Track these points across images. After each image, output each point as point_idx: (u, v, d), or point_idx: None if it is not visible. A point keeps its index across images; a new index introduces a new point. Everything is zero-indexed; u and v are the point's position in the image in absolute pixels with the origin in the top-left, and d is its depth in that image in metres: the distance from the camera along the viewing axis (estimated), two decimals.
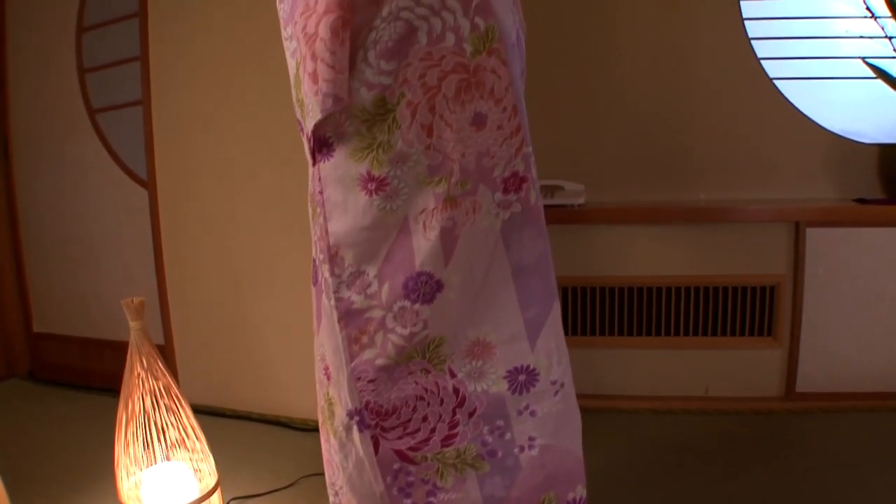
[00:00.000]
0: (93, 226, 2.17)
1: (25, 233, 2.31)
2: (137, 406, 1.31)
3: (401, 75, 0.83)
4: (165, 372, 1.33)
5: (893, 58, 1.90)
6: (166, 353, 2.00)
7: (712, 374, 1.83)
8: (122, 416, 1.32)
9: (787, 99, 1.96)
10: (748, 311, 1.79)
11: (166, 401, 1.32)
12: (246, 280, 1.86)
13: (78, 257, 2.21)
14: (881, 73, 1.89)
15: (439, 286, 0.87)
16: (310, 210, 0.93)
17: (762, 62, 1.97)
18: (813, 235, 1.73)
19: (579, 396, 1.77)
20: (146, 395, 1.31)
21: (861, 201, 1.84)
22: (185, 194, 1.93)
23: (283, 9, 0.90)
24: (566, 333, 1.82)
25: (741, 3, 1.97)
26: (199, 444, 1.35)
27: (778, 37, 1.98)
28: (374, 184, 0.85)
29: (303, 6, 0.82)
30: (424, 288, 0.87)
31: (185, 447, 1.35)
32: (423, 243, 0.86)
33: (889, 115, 1.94)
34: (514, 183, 0.90)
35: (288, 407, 1.85)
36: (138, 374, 1.32)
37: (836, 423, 1.72)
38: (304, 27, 0.82)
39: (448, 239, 0.86)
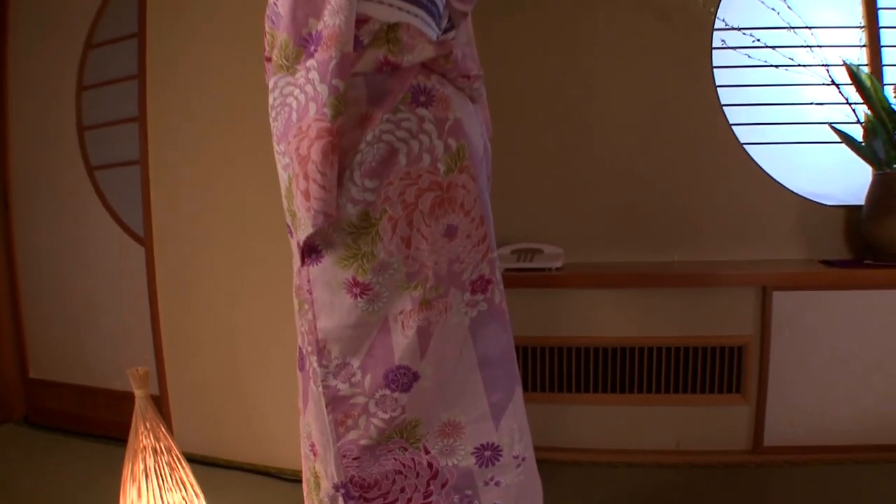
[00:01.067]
0: (90, 278, 2.34)
1: (24, 282, 2.47)
2: (140, 466, 1.46)
3: (383, 192, 0.97)
4: (167, 435, 1.49)
5: (858, 123, 2.08)
6: (161, 401, 2.14)
7: (683, 429, 1.99)
8: (126, 475, 1.48)
9: (756, 163, 2.15)
10: (717, 369, 1.96)
11: (167, 458, 1.48)
12: (241, 337, 2.02)
13: (75, 308, 2.37)
14: (846, 138, 2.07)
15: (416, 377, 1.03)
16: (295, 302, 1.09)
17: (733, 128, 2.16)
18: (779, 299, 1.90)
19: (556, 450, 1.96)
20: (149, 456, 1.47)
21: (827, 263, 2.02)
22: (180, 252, 2.09)
23: (276, 127, 1.03)
24: (545, 391, 2.00)
25: (714, 70, 2.16)
26: (198, 501, 1.51)
27: (749, 103, 2.17)
28: (359, 288, 0.99)
29: (296, 129, 0.96)
30: (403, 379, 1.02)
31: (185, 502, 1.51)
32: (401, 340, 1.01)
33: (855, 177, 2.12)
34: (481, 285, 1.06)
35: (278, 458, 2.00)
36: (142, 436, 1.48)
37: (803, 475, 1.88)
38: (297, 148, 0.95)
39: (423, 336, 1.02)
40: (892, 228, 1.95)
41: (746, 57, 2.13)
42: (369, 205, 0.97)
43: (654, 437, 2.00)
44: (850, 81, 2.04)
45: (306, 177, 0.94)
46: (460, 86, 1.08)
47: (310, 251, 1.01)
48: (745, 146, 2.16)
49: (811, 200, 2.14)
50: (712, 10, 2.07)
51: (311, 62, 0.94)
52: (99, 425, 2.32)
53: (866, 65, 2.16)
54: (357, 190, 0.97)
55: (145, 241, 2.14)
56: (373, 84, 0.98)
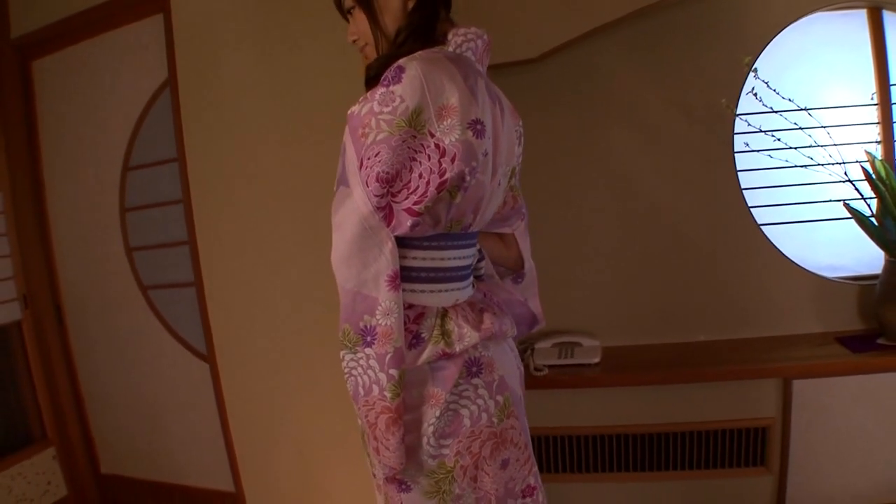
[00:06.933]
0: (154, 387, 2.70)
1: (86, 387, 2.83)
2: None
3: (454, 448, 1.33)
4: None
5: (870, 198, 2.38)
6: (237, 498, 2.52)
7: (716, 500, 2.41)
8: None
9: (773, 244, 2.47)
10: (743, 447, 2.36)
11: None
12: (311, 437, 2.38)
13: (142, 410, 2.75)
14: (857, 216, 2.37)
15: None
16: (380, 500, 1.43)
17: (752, 210, 2.47)
18: (798, 386, 2.28)
19: None
20: None
21: (841, 341, 2.37)
22: (244, 366, 2.43)
23: (348, 388, 1.31)
24: (590, 471, 2.39)
25: (735, 155, 2.44)
26: None
27: (767, 186, 2.47)
28: None
29: (363, 401, 1.25)
30: None
31: None
32: None
33: (869, 249, 2.43)
34: (529, 491, 1.45)
35: None
36: None
37: None
38: (367, 416, 1.25)
39: None
40: None
41: (765, 146, 2.40)
42: (445, 457, 1.33)
43: None
44: (862, 175, 2.32)
45: (375, 438, 1.28)
46: None
47: (399, 484, 1.35)
48: (762, 227, 2.47)
49: (825, 277, 2.47)
50: (734, 110, 2.34)
51: (369, 351, 1.22)
52: None
53: (879, 141, 2.44)
54: (433, 449, 1.32)
55: (209, 357, 2.47)
56: (435, 368, 1.31)
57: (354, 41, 1.42)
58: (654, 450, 2.41)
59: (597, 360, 2.40)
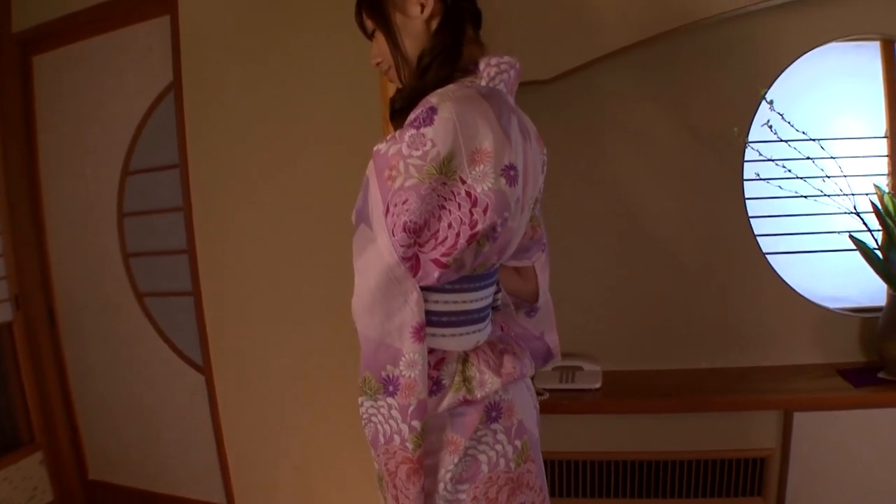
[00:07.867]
0: (147, 395, 2.67)
1: (78, 395, 2.81)
2: None
3: (471, 493, 1.30)
4: None
5: (876, 230, 2.39)
6: None
7: None
8: None
9: (777, 274, 2.47)
10: (741, 477, 2.36)
11: None
12: (306, 465, 2.36)
13: (134, 417, 2.72)
14: (862, 249, 2.38)
15: None
16: None
17: (758, 238, 2.47)
18: (799, 418, 2.28)
19: None
20: None
21: (843, 374, 2.38)
22: (242, 381, 2.40)
23: (366, 434, 1.30)
24: (588, 496, 2.38)
25: (744, 182, 2.44)
26: None
27: (773, 215, 2.47)
28: None
29: (383, 448, 1.22)
30: None
31: None
32: None
33: (873, 280, 2.45)
34: None
35: None
36: None
37: None
38: (386, 464, 1.23)
39: None
40: None
41: (774, 175, 2.40)
42: (461, 502, 1.30)
43: None
44: (870, 208, 2.33)
45: (395, 486, 1.26)
46: None
47: None
48: (767, 256, 2.47)
49: (828, 308, 2.48)
50: (745, 140, 2.33)
51: (392, 401, 1.19)
52: None
53: (888, 174, 2.45)
54: (450, 494, 1.29)
55: (205, 369, 2.44)
56: (455, 414, 1.28)
57: (378, 64, 1.36)
58: (653, 477, 2.40)
59: (598, 385, 2.39)
